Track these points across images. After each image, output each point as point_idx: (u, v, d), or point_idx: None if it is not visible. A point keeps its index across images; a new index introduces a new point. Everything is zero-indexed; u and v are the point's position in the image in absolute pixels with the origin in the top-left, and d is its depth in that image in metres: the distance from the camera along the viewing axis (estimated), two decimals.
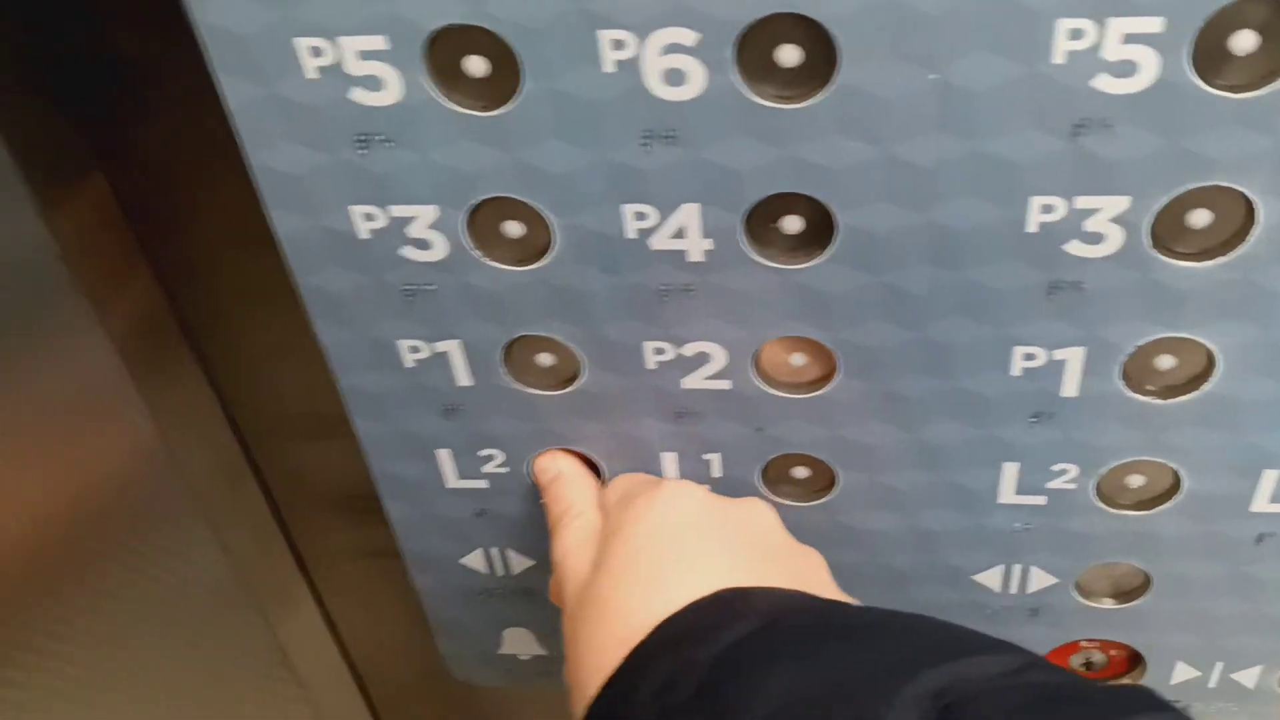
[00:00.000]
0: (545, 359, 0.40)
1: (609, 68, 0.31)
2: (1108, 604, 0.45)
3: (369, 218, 0.35)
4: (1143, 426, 0.38)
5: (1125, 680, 0.49)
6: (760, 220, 0.34)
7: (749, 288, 0.36)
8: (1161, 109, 0.30)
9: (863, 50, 0.30)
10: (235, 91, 0.32)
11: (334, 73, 0.32)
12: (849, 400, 0.39)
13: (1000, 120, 0.30)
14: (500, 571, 0.48)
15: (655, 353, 0.38)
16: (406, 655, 0.57)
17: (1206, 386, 0.36)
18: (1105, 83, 0.29)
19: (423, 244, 0.36)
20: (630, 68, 0.31)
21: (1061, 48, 0.29)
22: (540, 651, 0.51)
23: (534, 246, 0.36)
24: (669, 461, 0.42)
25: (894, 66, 0.30)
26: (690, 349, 0.38)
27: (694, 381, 0.39)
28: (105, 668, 0.44)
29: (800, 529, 0.41)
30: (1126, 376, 0.37)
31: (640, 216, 0.34)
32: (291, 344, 0.42)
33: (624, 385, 0.40)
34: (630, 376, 0.39)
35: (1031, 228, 0.33)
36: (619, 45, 0.30)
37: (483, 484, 0.44)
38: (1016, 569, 0.44)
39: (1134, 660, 0.48)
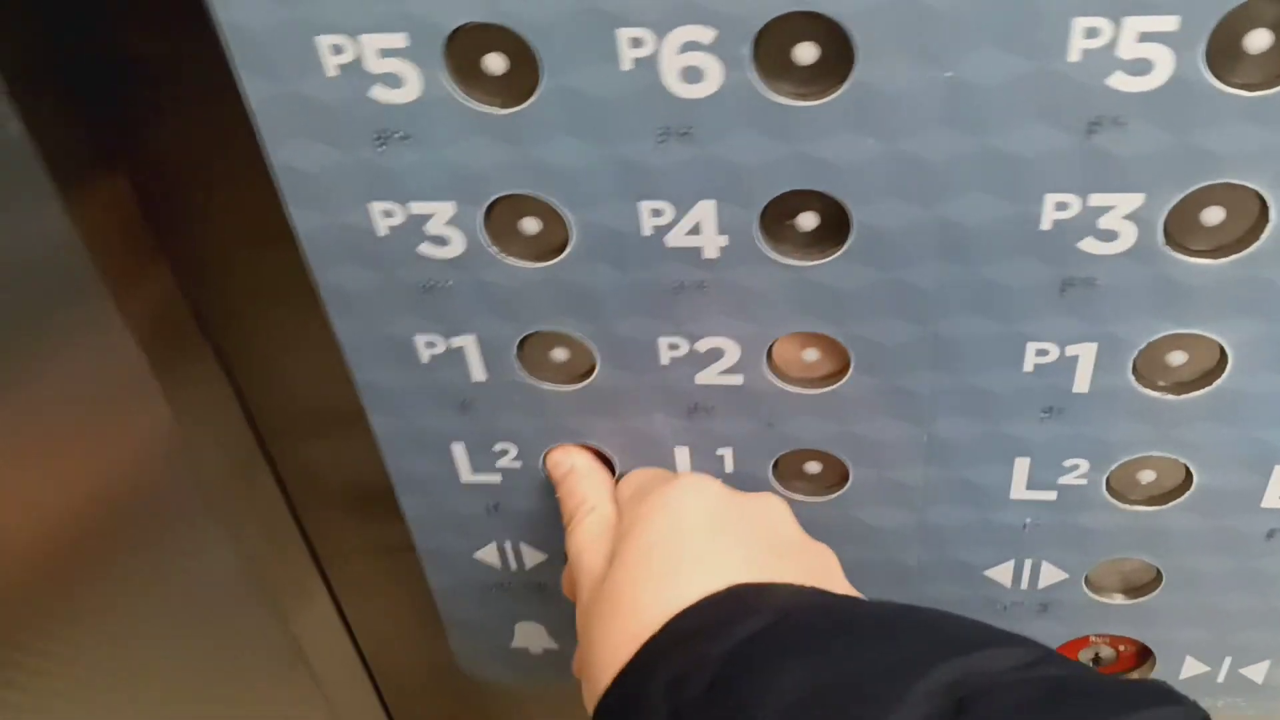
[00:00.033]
0: (559, 354, 0.40)
1: (627, 65, 0.31)
2: (1118, 599, 0.45)
3: (387, 214, 0.35)
4: (1154, 422, 0.38)
5: (1134, 675, 0.49)
6: (775, 217, 0.35)
7: (763, 284, 0.36)
8: (1176, 107, 0.30)
9: (879, 48, 0.30)
10: (256, 89, 0.33)
11: (354, 70, 0.32)
12: (861, 396, 0.39)
13: (1015, 118, 0.31)
14: (513, 566, 0.48)
15: (669, 348, 0.39)
16: (419, 651, 0.57)
17: (1218, 382, 0.37)
18: (1120, 81, 0.30)
19: (440, 240, 0.36)
20: (648, 65, 0.31)
21: (1077, 46, 0.29)
22: (551, 645, 0.52)
23: (550, 243, 0.36)
24: (681, 456, 0.42)
25: (910, 64, 0.30)
26: (704, 345, 0.38)
27: (707, 377, 0.39)
28: (119, 662, 0.44)
29: (811, 524, 0.41)
30: (1138, 372, 0.37)
31: (656, 213, 0.35)
32: (307, 341, 0.43)
33: (637, 381, 0.40)
34: (644, 372, 0.39)
35: (1046, 225, 0.33)
36: (637, 43, 0.30)
37: (496, 479, 0.44)
38: (1027, 565, 0.44)
39: (1143, 655, 0.48)
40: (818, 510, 0.43)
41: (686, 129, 0.32)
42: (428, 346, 0.40)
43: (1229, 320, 0.35)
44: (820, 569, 0.38)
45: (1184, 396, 0.37)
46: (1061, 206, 0.32)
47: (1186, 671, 0.48)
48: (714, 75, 0.31)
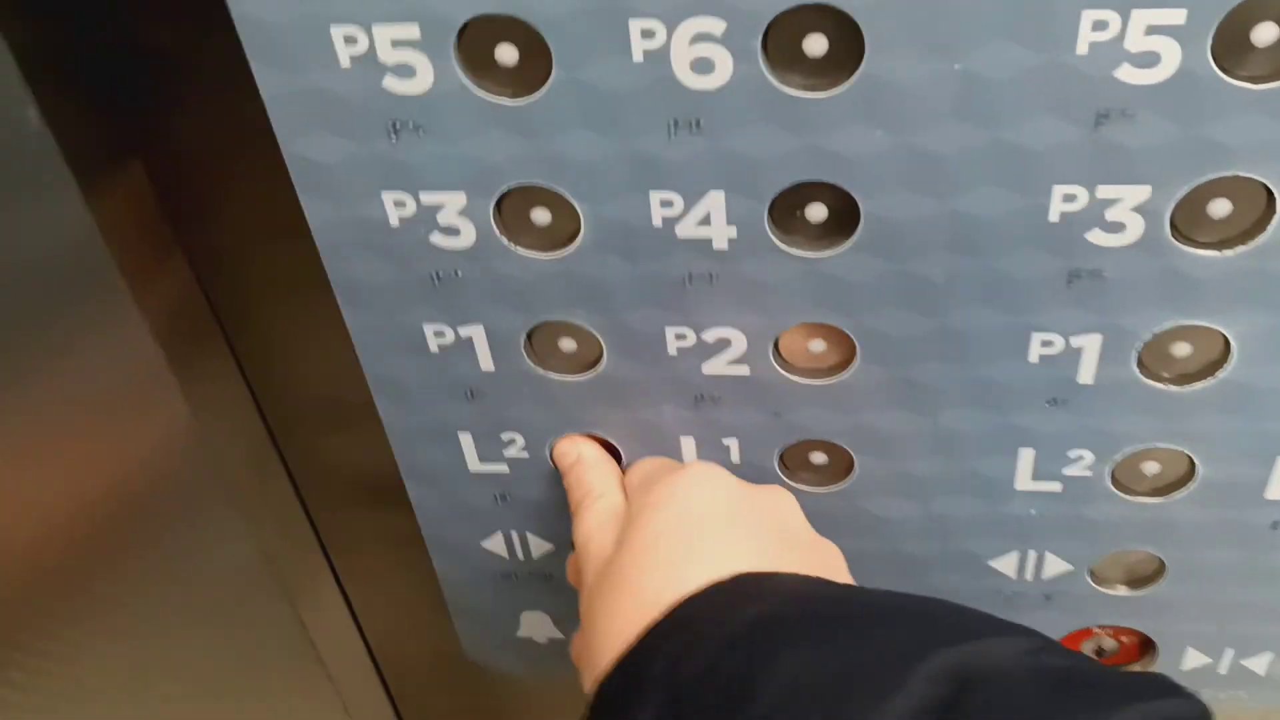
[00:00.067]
0: (568, 345, 0.40)
1: (638, 57, 0.31)
2: (1122, 591, 0.46)
3: (399, 205, 0.36)
4: (1158, 413, 0.38)
5: (1135, 667, 0.50)
6: (784, 208, 0.35)
7: (771, 275, 0.36)
8: (1183, 99, 0.30)
9: (888, 40, 0.30)
10: (270, 81, 0.33)
11: (367, 61, 0.32)
12: (867, 387, 0.39)
13: (1024, 110, 0.31)
14: (520, 555, 0.48)
15: (677, 339, 0.39)
16: (426, 640, 0.57)
17: (1222, 374, 0.37)
18: (1128, 73, 0.30)
19: (451, 231, 0.36)
20: (659, 57, 0.31)
21: (1085, 38, 0.29)
22: (557, 635, 0.52)
23: (560, 234, 0.37)
24: (688, 446, 0.43)
25: (919, 56, 0.30)
26: (711, 335, 0.39)
27: (714, 367, 0.40)
28: (131, 651, 0.44)
29: (817, 515, 0.41)
30: (1143, 363, 0.37)
31: (666, 204, 0.35)
32: (320, 334, 0.43)
33: (645, 371, 0.40)
34: (652, 362, 0.40)
35: (1054, 217, 0.33)
36: (648, 35, 0.31)
37: (504, 468, 0.44)
38: (1032, 555, 0.45)
39: (1145, 647, 0.49)
40: (823, 501, 0.43)
41: (697, 120, 0.32)
42: (437, 336, 0.40)
43: (1234, 312, 0.35)
44: (825, 565, 0.39)
45: (1189, 388, 0.37)
46: (1069, 198, 0.33)
47: (1189, 663, 0.48)
48: (724, 67, 0.31)
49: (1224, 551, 0.43)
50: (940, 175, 0.33)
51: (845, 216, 0.35)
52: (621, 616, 0.34)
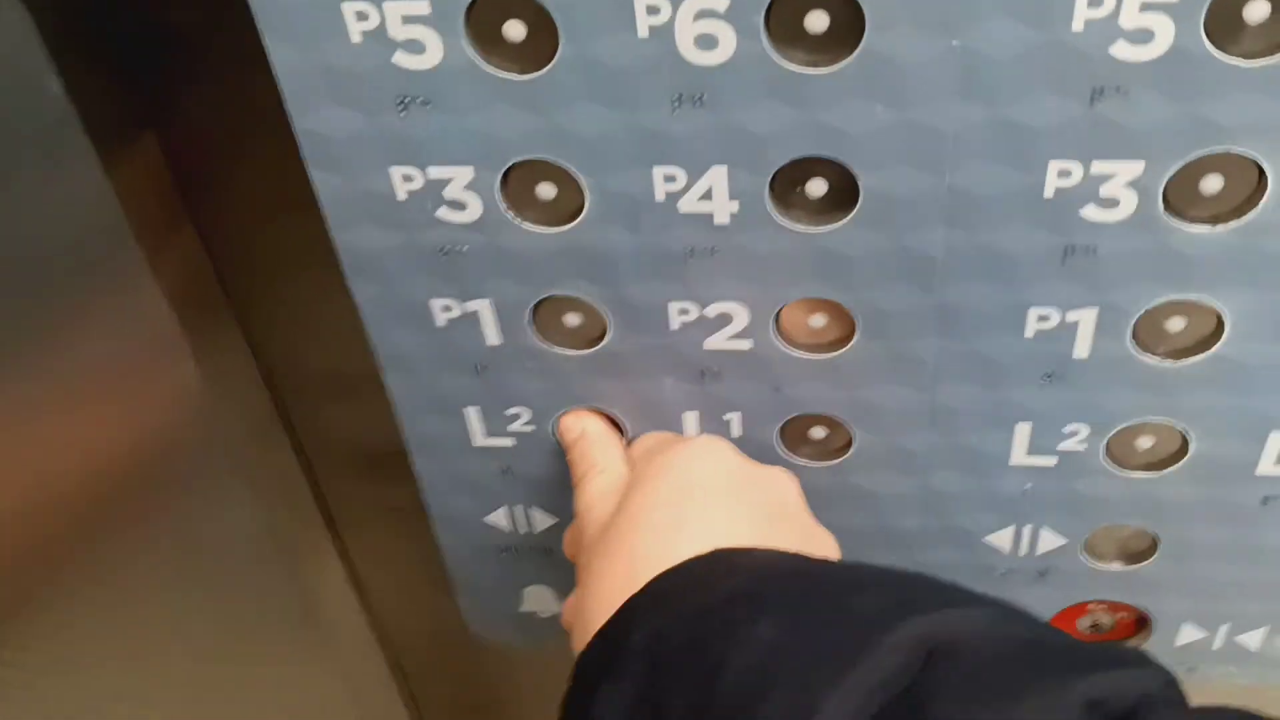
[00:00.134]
0: (572, 319, 0.41)
1: (643, 32, 0.32)
2: (1115, 566, 0.46)
3: (407, 179, 0.36)
4: (1152, 388, 0.39)
5: (1131, 643, 0.50)
6: (785, 184, 0.36)
7: (772, 250, 0.37)
8: (1176, 76, 0.31)
9: (888, 16, 0.31)
10: (282, 55, 0.33)
11: (378, 36, 0.33)
12: (866, 361, 0.40)
13: (1021, 86, 0.32)
14: (523, 529, 0.49)
15: (679, 313, 0.39)
16: (429, 612, 0.58)
17: (1214, 349, 0.37)
18: (1122, 50, 0.30)
19: (458, 205, 0.37)
20: (663, 32, 0.32)
21: (1081, 15, 0.30)
22: (559, 610, 0.53)
23: (565, 209, 0.37)
24: (690, 421, 0.43)
25: (918, 32, 0.31)
26: (713, 310, 0.39)
27: (716, 342, 0.40)
28: (133, 617, 0.45)
29: (815, 490, 0.42)
30: (1137, 339, 0.38)
31: (669, 179, 0.35)
32: (324, 307, 0.43)
33: (648, 345, 0.41)
34: (654, 336, 0.40)
35: (1049, 192, 0.34)
36: (653, 10, 0.31)
37: (509, 442, 0.45)
38: (1026, 530, 0.45)
39: (1140, 624, 0.49)
40: (822, 475, 0.44)
41: (700, 95, 0.33)
42: (443, 310, 0.40)
43: (1226, 288, 0.36)
44: (819, 551, 0.39)
45: (1181, 363, 0.38)
46: (1064, 174, 0.33)
47: (1183, 639, 0.49)
48: (727, 43, 0.32)
49: (1215, 527, 0.43)
50: (938, 151, 0.33)
51: (845, 192, 0.35)
52: (611, 582, 0.35)
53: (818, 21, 0.32)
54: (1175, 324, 0.37)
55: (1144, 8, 0.30)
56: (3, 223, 0.33)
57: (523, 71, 0.33)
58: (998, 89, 0.32)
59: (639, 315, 0.40)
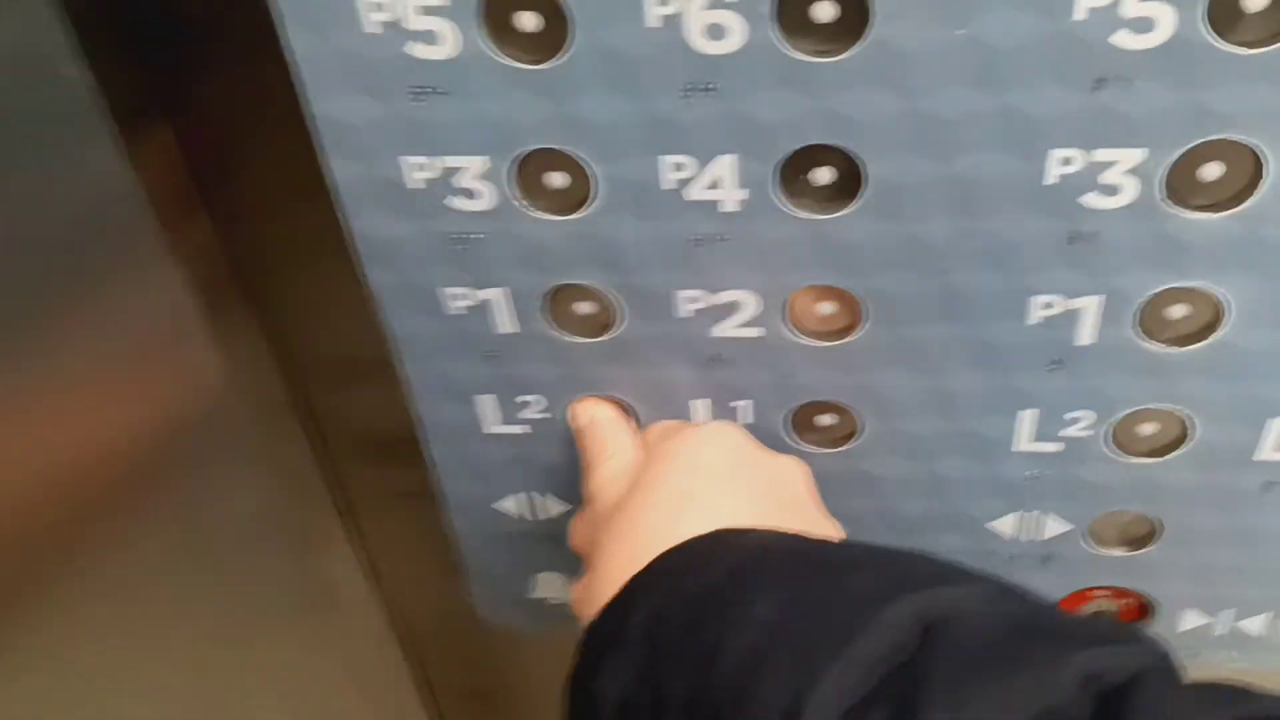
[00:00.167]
0: (584, 307, 0.42)
1: (654, 22, 0.32)
2: (1119, 552, 0.47)
3: (420, 168, 0.37)
4: (1154, 375, 0.40)
5: None
6: (792, 172, 0.36)
7: (780, 237, 0.37)
8: (1177, 64, 0.31)
9: (895, 6, 0.31)
10: (300, 43, 0.34)
11: (393, 26, 0.33)
12: (874, 348, 0.40)
13: (1025, 74, 0.32)
14: (535, 516, 0.49)
15: (689, 301, 0.40)
16: (439, 597, 0.58)
17: (1215, 336, 0.38)
18: (1124, 39, 0.31)
19: (471, 194, 0.38)
20: (674, 22, 0.32)
21: (1083, 4, 0.30)
22: (569, 596, 0.53)
23: (576, 197, 0.38)
24: (700, 408, 0.44)
25: (925, 22, 0.31)
26: (722, 297, 0.40)
27: (725, 329, 0.41)
28: (145, 598, 0.45)
29: (823, 476, 0.43)
30: (1140, 325, 0.38)
31: (678, 167, 0.36)
32: (336, 291, 0.44)
33: (658, 333, 0.41)
34: (664, 324, 0.41)
35: (1051, 180, 0.34)
36: (664, 0, 0.32)
37: (521, 429, 0.46)
38: (1030, 516, 0.46)
39: (1144, 610, 0.50)
40: (829, 462, 0.45)
41: (710, 84, 0.34)
42: (457, 298, 0.41)
43: (1226, 275, 0.36)
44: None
45: (1184, 350, 0.39)
46: (1066, 161, 0.34)
47: (1185, 624, 0.49)
48: (737, 32, 0.32)
49: (1216, 512, 0.44)
50: (943, 139, 0.34)
51: (851, 180, 0.36)
52: (619, 561, 0.36)
53: (826, 11, 0.32)
54: (1177, 311, 0.38)
55: None
56: (23, 207, 0.33)
57: (536, 62, 0.34)
58: (1002, 77, 0.32)
59: (649, 303, 0.40)
